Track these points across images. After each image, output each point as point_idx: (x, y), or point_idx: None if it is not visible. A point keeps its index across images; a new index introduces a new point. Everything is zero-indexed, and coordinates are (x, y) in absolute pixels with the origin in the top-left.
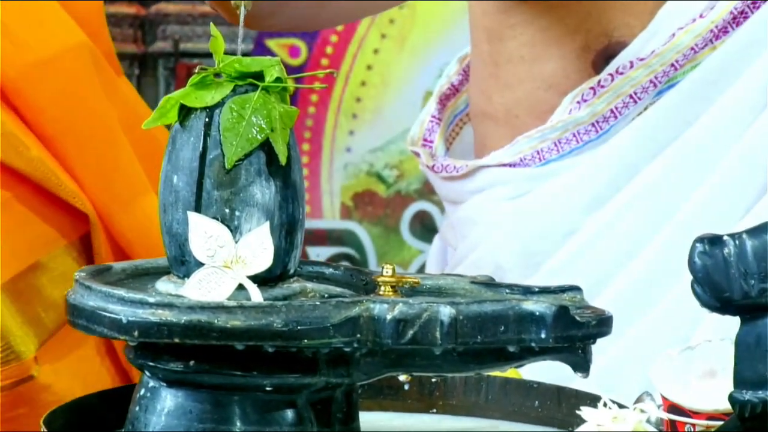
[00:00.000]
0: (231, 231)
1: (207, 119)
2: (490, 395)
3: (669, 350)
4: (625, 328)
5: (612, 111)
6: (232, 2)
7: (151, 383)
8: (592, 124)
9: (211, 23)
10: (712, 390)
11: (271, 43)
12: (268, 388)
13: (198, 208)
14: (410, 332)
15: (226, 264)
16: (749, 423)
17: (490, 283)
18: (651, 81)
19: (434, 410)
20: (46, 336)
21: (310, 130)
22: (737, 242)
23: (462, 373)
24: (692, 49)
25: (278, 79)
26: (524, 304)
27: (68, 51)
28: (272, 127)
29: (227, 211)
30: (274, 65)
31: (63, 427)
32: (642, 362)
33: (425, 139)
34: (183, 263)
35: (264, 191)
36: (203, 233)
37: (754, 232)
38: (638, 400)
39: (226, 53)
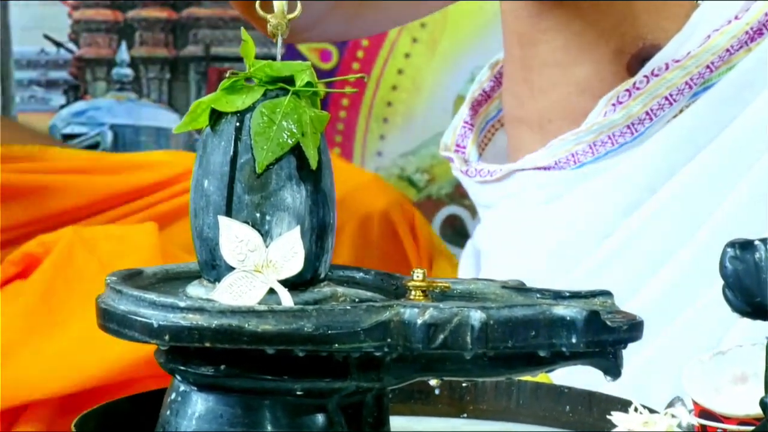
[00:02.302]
0: (262, 235)
1: (238, 124)
2: (521, 400)
3: (700, 355)
4: (657, 333)
5: (647, 113)
6: (269, 30)
7: (182, 387)
8: (627, 127)
9: (242, 28)
10: (744, 395)
11: (302, 47)
12: (298, 393)
13: (229, 213)
14: (441, 337)
15: (256, 268)
16: None
17: (520, 288)
18: (686, 83)
19: (465, 415)
20: None
21: (341, 134)
22: None
23: (492, 378)
24: (727, 50)
25: (309, 84)
26: (555, 308)
27: None
28: (303, 131)
29: (258, 215)
30: (304, 70)
31: (94, 431)
32: (673, 367)
33: (458, 145)
34: (214, 267)
35: (295, 195)
36: (234, 237)
37: None
38: (669, 405)
39: (257, 57)
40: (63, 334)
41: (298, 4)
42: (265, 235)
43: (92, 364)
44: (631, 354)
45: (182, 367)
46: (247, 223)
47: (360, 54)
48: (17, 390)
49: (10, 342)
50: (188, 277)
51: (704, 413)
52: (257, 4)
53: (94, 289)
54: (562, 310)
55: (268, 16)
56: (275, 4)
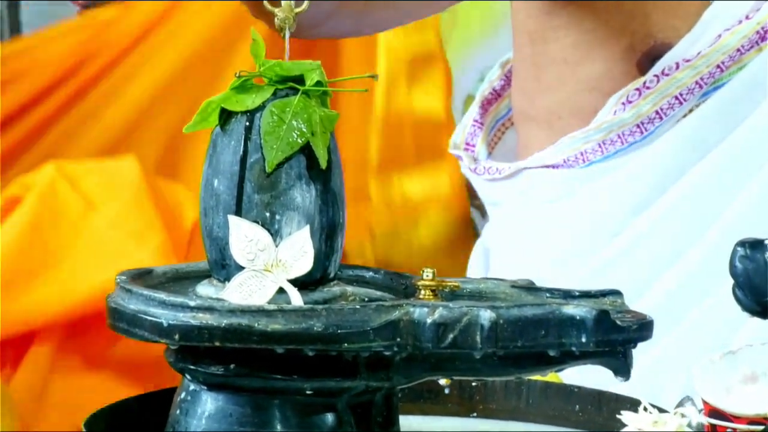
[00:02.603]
0: (271, 234)
1: (248, 123)
2: (531, 399)
3: (710, 354)
4: (667, 332)
5: (657, 112)
6: (277, 24)
7: (192, 386)
8: (637, 126)
9: (252, 27)
10: (754, 394)
11: None
12: (308, 392)
13: (238, 212)
14: (450, 336)
15: (266, 267)
16: None
17: (530, 287)
18: (697, 82)
19: (474, 414)
20: None
21: None
22: None
23: (502, 377)
24: (738, 50)
25: (319, 83)
26: (565, 308)
27: None
28: (313, 130)
29: (268, 214)
30: (314, 69)
31: (104, 431)
32: (681, 366)
33: (467, 143)
34: (223, 267)
35: (304, 195)
36: (244, 237)
37: None
38: (679, 405)
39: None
40: (54, 267)
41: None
42: (275, 234)
43: (83, 292)
44: (639, 353)
45: (192, 367)
46: (257, 223)
47: None
48: (19, 320)
49: (6, 278)
50: (198, 276)
51: (714, 413)
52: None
53: (79, 224)
54: (571, 309)
55: (276, 10)
56: None
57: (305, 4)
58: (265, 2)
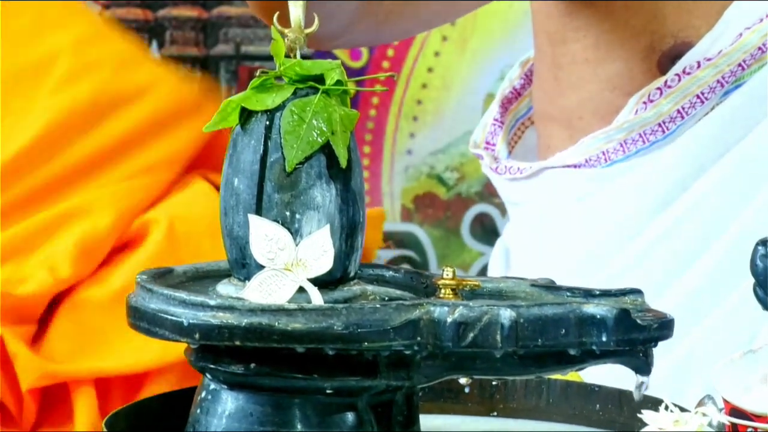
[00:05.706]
0: (291, 234)
1: (268, 122)
2: (551, 398)
3: (731, 354)
4: (688, 331)
5: (679, 111)
6: (287, 44)
7: (212, 386)
8: (659, 125)
9: (272, 26)
10: None
11: None
12: (328, 391)
13: (258, 211)
14: (471, 335)
15: (286, 267)
16: None
17: (550, 286)
18: (718, 81)
19: (495, 413)
20: None
21: (371, 133)
22: None
23: (522, 377)
24: (760, 48)
25: (339, 82)
26: (585, 307)
27: None
28: (333, 130)
29: (288, 214)
30: (334, 68)
31: (125, 430)
32: (704, 366)
33: (488, 142)
34: (243, 266)
35: (324, 194)
36: (264, 236)
37: None
38: (700, 404)
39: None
40: None
41: (316, 18)
42: (295, 233)
43: None
44: (661, 353)
45: (212, 366)
46: (277, 222)
47: (390, 52)
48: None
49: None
50: (218, 275)
51: (735, 412)
52: (275, 19)
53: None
54: (592, 308)
55: (286, 31)
56: (292, 19)
57: (315, 24)
58: (275, 23)
